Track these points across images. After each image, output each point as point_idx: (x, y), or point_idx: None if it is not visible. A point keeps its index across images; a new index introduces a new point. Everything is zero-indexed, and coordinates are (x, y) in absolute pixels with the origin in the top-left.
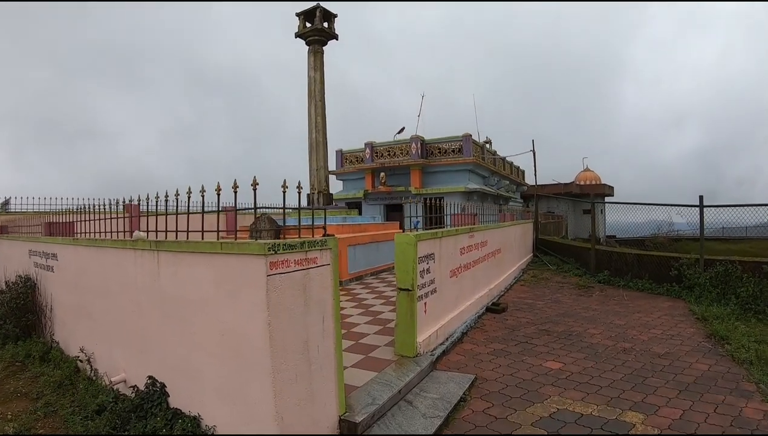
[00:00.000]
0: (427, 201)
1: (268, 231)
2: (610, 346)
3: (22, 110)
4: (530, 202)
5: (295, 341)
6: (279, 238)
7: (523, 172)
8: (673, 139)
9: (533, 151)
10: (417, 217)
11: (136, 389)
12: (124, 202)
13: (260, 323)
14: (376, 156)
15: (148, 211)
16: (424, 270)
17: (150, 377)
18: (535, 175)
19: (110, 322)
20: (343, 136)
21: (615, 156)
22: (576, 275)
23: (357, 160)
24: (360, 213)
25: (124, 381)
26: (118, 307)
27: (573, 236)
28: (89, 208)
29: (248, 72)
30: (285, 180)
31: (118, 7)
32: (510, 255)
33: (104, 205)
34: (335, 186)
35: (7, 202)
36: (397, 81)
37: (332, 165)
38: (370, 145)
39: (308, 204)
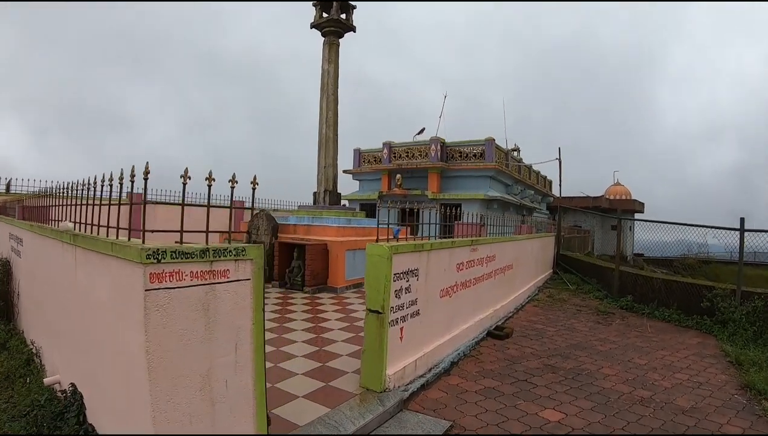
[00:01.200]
0: (446, 208)
1: (265, 230)
2: (625, 394)
3: (44, 97)
4: (556, 215)
5: (190, 375)
6: (277, 237)
7: (550, 182)
8: (708, 152)
9: (559, 159)
10: (397, 225)
11: (65, 394)
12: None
13: (138, 349)
14: (394, 157)
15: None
16: (402, 289)
17: (72, 385)
18: (560, 185)
19: (51, 317)
20: (361, 134)
21: (647, 168)
22: (596, 298)
23: (375, 161)
24: (375, 216)
25: (59, 383)
26: (56, 303)
27: (599, 252)
28: (78, 190)
29: (266, 63)
30: (255, 175)
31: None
32: (524, 271)
33: (100, 187)
34: (352, 186)
35: (9, 184)
36: (421, 78)
37: (349, 164)
38: (388, 146)
39: (314, 203)
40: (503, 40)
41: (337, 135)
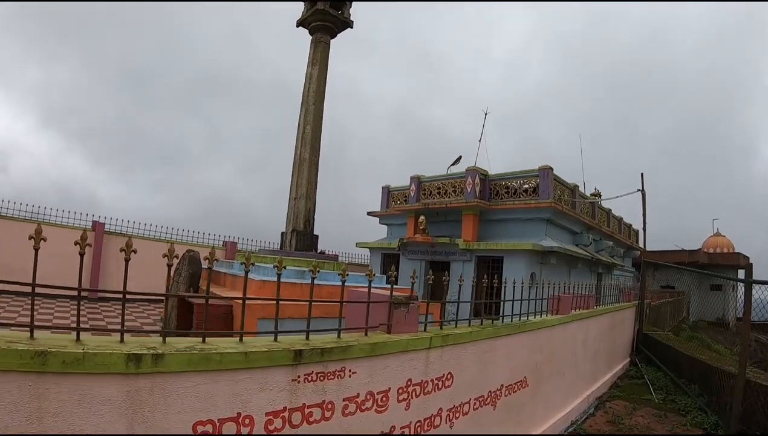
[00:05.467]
0: (482, 262)
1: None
2: None
3: (104, 127)
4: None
5: None
6: (198, 284)
7: (636, 232)
8: None
9: (642, 191)
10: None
11: None
12: None
13: None
14: (423, 195)
15: None
16: None
17: None
18: (644, 225)
19: None
20: (396, 171)
21: (749, 214)
22: (698, 425)
23: (404, 200)
24: (397, 269)
25: None
26: None
27: (697, 318)
28: None
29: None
30: None
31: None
32: (560, 385)
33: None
34: (379, 232)
35: None
36: (466, 108)
37: (376, 204)
38: (416, 181)
39: (281, 246)
40: (563, 57)
41: (317, 157)
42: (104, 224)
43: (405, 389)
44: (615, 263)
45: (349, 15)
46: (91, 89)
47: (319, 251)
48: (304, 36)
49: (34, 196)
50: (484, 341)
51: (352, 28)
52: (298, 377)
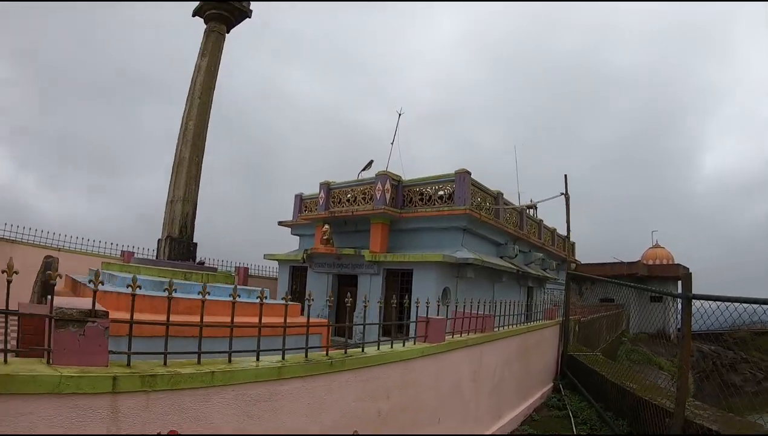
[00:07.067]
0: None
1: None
2: None
3: (29, 128)
4: (583, 286)
5: None
6: (51, 292)
7: (572, 244)
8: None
9: (566, 194)
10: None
11: None
12: None
13: None
14: (333, 202)
15: None
16: None
17: None
18: (568, 231)
19: None
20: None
21: (689, 225)
22: None
23: (316, 208)
24: (305, 283)
25: None
26: None
27: (637, 330)
28: None
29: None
30: None
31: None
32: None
33: None
34: (291, 243)
35: None
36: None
37: (288, 214)
38: (326, 187)
39: (156, 254)
40: (495, 62)
41: (199, 156)
42: None
43: None
44: (547, 276)
45: (249, 4)
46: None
47: (198, 260)
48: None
49: None
50: (256, 384)
51: (250, 17)
52: None
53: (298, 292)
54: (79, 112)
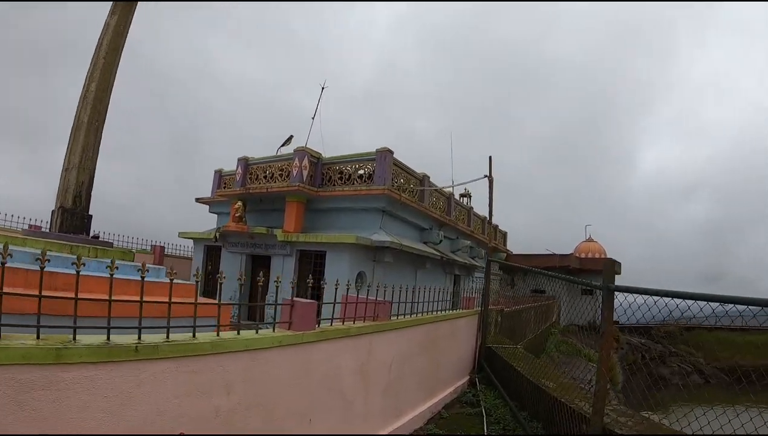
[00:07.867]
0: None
1: None
2: None
3: None
4: (515, 277)
5: None
6: None
7: (504, 233)
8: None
9: (489, 177)
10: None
11: None
12: None
13: None
14: (250, 179)
15: None
16: None
17: None
18: (490, 212)
19: None
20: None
21: (622, 219)
22: None
23: (233, 185)
24: (218, 263)
25: None
26: None
27: (568, 322)
28: None
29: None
30: None
31: None
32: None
33: None
34: (209, 221)
35: None
36: (334, 93)
37: (207, 190)
38: (244, 163)
39: (50, 227)
40: (434, 45)
41: (99, 122)
42: None
43: None
44: (475, 264)
45: None
46: None
47: (93, 234)
48: None
49: None
50: (29, 368)
51: None
52: None
53: (212, 272)
54: None
